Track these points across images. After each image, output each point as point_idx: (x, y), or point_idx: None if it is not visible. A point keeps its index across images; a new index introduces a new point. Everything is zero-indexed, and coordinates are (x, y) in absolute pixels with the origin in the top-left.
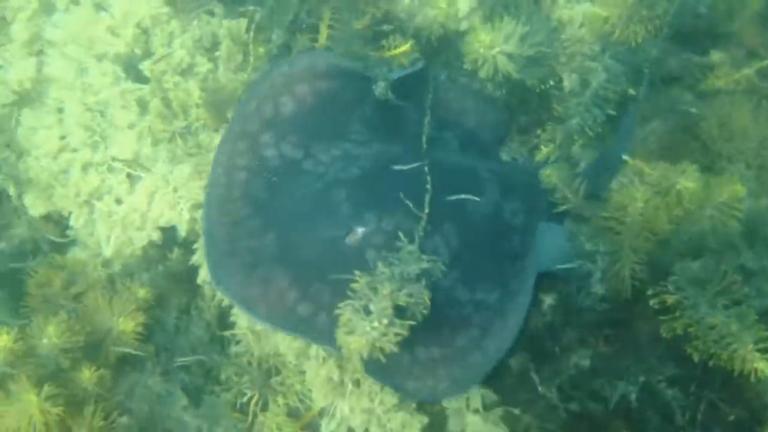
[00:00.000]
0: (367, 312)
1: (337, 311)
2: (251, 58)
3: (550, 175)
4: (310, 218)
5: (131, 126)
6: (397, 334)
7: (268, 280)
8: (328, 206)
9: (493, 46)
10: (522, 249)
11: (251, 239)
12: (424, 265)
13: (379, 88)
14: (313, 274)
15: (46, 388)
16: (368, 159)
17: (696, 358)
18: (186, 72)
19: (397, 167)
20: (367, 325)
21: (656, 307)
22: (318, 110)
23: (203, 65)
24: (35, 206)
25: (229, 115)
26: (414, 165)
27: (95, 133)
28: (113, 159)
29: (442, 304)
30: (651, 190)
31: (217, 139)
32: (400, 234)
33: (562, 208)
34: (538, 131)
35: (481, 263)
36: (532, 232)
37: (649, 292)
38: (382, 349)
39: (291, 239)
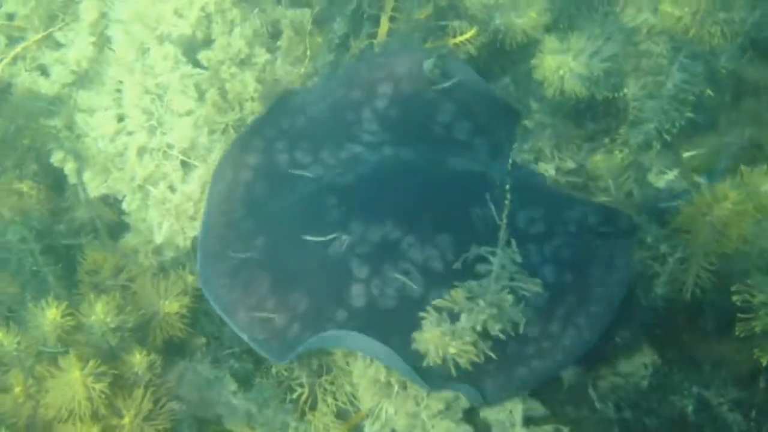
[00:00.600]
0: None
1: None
2: (308, 50)
3: (598, 162)
4: (298, 224)
5: (189, 113)
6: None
7: (250, 285)
8: (317, 212)
9: (559, 69)
10: (539, 259)
11: (242, 242)
12: (513, 282)
13: (428, 65)
14: (294, 282)
15: (91, 364)
16: (371, 164)
17: (765, 362)
18: (244, 63)
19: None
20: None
21: (738, 304)
22: (330, 113)
23: (261, 56)
24: (92, 187)
25: None
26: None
27: (153, 117)
28: (169, 146)
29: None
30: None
31: None
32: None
33: (602, 199)
34: (606, 139)
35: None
36: (553, 241)
37: (734, 288)
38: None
39: (278, 244)
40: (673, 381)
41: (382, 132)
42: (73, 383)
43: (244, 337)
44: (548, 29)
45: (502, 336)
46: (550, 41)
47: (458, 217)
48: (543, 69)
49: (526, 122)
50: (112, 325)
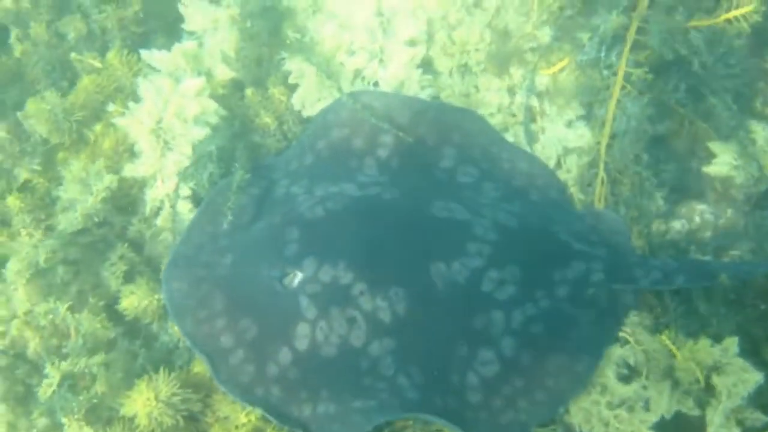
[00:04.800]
0: None
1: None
2: (536, 5)
3: None
4: (260, 252)
5: (411, 42)
6: None
7: (206, 299)
8: (278, 243)
9: None
10: (502, 329)
11: (212, 255)
12: None
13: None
14: (246, 308)
15: None
16: (346, 201)
17: None
18: (474, 7)
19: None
20: None
21: None
22: (333, 157)
23: (491, 2)
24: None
25: (512, 69)
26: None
27: (376, 41)
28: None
29: (364, 372)
30: None
31: (494, 86)
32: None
33: None
34: None
35: (429, 341)
36: (526, 310)
37: None
38: None
39: (240, 268)
40: None
41: (379, 175)
42: None
43: (188, 342)
44: None
45: None
46: None
47: (418, 271)
48: None
49: None
50: None
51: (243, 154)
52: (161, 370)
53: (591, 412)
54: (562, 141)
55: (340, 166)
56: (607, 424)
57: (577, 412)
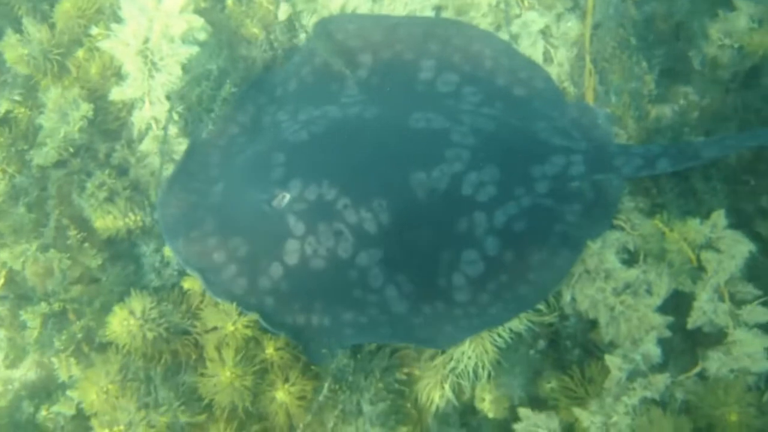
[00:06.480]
0: None
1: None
2: None
3: None
4: (248, 177)
5: None
6: None
7: (198, 222)
8: (264, 168)
9: None
10: (486, 229)
11: (204, 183)
12: None
13: None
14: (237, 229)
15: None
16: (327, 123)
17: None
18: None
19: None
20: None
21: None
22: (316, 82)
23: None
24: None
25: None
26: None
27: None
28: None
29: (353, 283)
30: None
31: None
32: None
33: None
34: None
35: (415, 249)
36: (508, 208)
37: None
38: None
39: (230, 193)
40: None
41: (360, 95)
42: None
43: (181, 261)
44: None
45: None
46: None
47: (399, 182)
48: None
49: None
50: None
51: (235, 70)
52: (131, 290)
53: (597, 298)
54: (550, 35)
55: (323, 90)
56: (612, 309)
57: (583, 299)
